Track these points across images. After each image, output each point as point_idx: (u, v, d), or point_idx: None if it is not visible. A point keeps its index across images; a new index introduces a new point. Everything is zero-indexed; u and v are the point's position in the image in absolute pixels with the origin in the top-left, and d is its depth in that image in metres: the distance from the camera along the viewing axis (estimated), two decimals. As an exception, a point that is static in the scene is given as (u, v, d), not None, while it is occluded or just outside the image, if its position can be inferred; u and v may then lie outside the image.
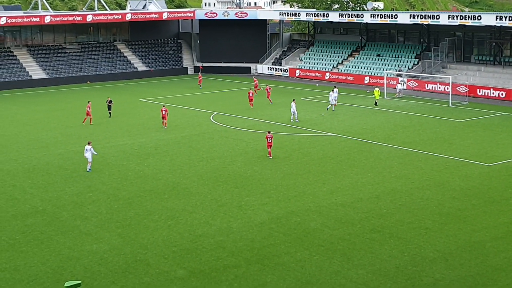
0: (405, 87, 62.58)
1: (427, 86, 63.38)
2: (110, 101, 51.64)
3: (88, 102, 50.44)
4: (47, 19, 74.79)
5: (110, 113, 51.23)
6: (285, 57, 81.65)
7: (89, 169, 35.12)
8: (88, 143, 35.64)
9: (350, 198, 29.86)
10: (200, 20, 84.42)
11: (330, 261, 22.77)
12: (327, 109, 53.46)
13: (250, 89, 58.43)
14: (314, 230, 25.84)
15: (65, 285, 17.44)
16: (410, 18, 66.90)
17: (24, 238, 25.46)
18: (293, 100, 50.03)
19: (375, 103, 55.49)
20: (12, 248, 24.50)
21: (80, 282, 17.59)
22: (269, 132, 37.81)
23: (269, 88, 58.54)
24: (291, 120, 48.29)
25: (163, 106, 49.10)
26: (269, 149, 37.43)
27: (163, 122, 47.17)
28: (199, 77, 71.19)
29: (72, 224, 27.01)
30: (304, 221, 26.87)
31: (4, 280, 21.73)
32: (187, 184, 32.65)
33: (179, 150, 39.86)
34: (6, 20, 72.28)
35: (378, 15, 70.26)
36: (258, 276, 21.71)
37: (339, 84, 66.42)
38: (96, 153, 36.00)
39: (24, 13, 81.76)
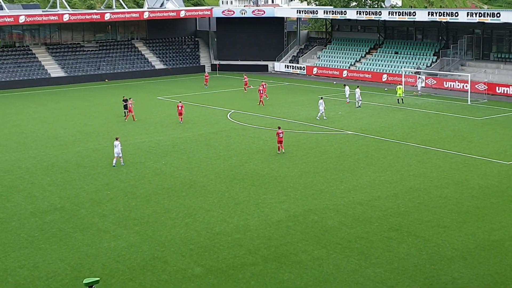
0: (423, 85, 62.20)
1: (446, 84, 62.98)
2: (126, 101, 51.24)
3: (130, 98, 51.49)
4: (66, 18, 75.26)
5: (125, 112, 50.75)
6: (302, 55, 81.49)
7: (122, 163, 36.07)
8: (116, 139, 36.33)
9: (368, 196, 29.74)
10: (217, 18, 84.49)
11: (348, 260, 22.69)
12: (357, 107, 53.63)
13: (260, 85, 58.69)
14: (332, 228, 25.77)
15: (84, 281, 17.50)
16: (428, 15, 66.49)
17: (43, 235, 25.65)
18: (321, 97, 49.79)
19: (400, 100, 54.85)
20: (31, 245, 24.68)
21: (98, 279, 17.63)
22: (279, 128, 38.61)
23: (264, 85, 58.53)
24: (317, 118, 48.14)
25: (180, 102, 50.03)
26: (280, 145, 38.13)
27: (179, 117, 48.16)
28: (206, 76, 70.41)
29: (90, 222, 27.16)
30: (322, 219, 26.81)
31: (23, 276, 21.90)
32: (204, 182, 32.70)
33: (196, 148, 39.92)
34: (25, 19, 72.87)
35: (396, 13, 69.91)
36: (275, 274, 21.69)
37: (357, 82, 66.13)
38: (121, 152, 36.23)
39: (42, 11, 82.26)
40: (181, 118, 48.24)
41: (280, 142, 38.10)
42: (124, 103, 51.10)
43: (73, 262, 22.95)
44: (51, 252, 23.89)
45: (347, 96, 56.14)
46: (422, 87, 60.99)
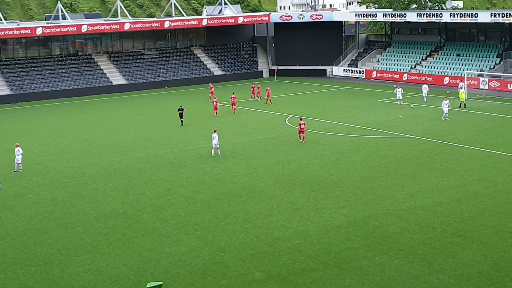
0: (486, 87, 60.78)
1: (510, 86, 61.35)
2: (182, 109, 51.24)
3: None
4: (127, 26, 76.70)
5: (182, 121, 50.82)
6: (361, 59, 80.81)
7: (220, 154, 39.38)
8: (214, 131, 39.47)
9: (430, 201, 29.18)
10: (275, 23, 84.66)
11: (410, 266, 22.30)
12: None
13: (268, 86, 62.55)
14: (393, 234, 25.38)
15: (147, 286, 17.76)
16: (491, 16, 65.05)
17: (106, 240, 26.11)
18: (446, 98, 49.30)
19: (463, 105, 53.75)
20: (95, 249, 25.15)
21: (161, 283, 17.84)
22: (301, 119, 42.59)
23: (266, 89, 61.28)
24: (442, 119, 47.78)
25: (233, 93, 55.50)
26: (302, 134, 41.83)
27: (232, 108, 53.72)
28: (211, 88, 65.95)
29: (152, 227, 27.51)
30: (383, 224, 26.44)
31: (87, 281, 22.32)
32: (263, 187, 32.71)
33: (255, 153, 40.01)
34: (88, 28, 74.63)
35: (457, 14, 68.63)
36: (336, 280, 21.49)
37: (418, 86, 65.16)
38: (218, 143, 39.31)
39: (104, 20, 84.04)
40: (234, 109, 54.34)
41: (301, 132, 41.90)
42: (180, 112, 51.12)
43: (135, 267, 23.27)
44: (114, 257, 24.28)
45: (400, 98, 55.67)
46: (485, 89, 59.20)
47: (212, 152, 39.34)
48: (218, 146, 39.23)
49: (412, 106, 50.83)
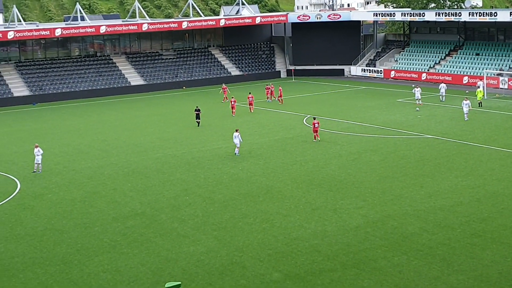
0: (506, 86, 60.24)
1: (530, 85, 60.77)
2: (198, 110, 51.31)
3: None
4: (145, 27, 77.00)
5: (198, 122, 50.68)
6: (379, 58, 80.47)
7: (237, 153, 39.57)
8: (236, 130, 39.93)
9: (450, 201, 28.98)
10: (292, 23, 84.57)
11: (429, 266, 22.16)
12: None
13: (270, 85, 64.08)
14: (412, 234, 25.24)
15: (166, 286, 17.78)
16: (510, 15, 64.45)
17: (124, 240, 26.22)
18: (466, 98, 48.89)
19: (479, 104, 53.46)
20: (114, 249, 25.26)
21: (180, 283, 17.85)
22: (314, 119, 43.47)
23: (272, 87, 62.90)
24: (466, 119, 47.44)
25: (250, 93, 56.63)
26: (315, 134, 42.52)
27: (250, 107, 55.28)
28: (224, 88, 65.21)
29: (170, 227, 27.58)
30: (401, 225, 26.30)
31: (106, 280, 22.43)
32: (281, 187, 32.68)
33: (272, 154, 39.98)
34: (106, 29, 75.05)
35: (476, 13, 68.11)
36: (354, 281, 21.40)
37: (436, 85, 64.76)
38: (242, 141, 39.99)
39: (122, 21, 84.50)
40: (252, 109, 55.59)
41: (315, 131, 42.62)
42: (197, 113, 51.11)
43: (154, 267, 23.34)
44: (133, 257, 24.38)
45: (418, 97, 55.39)
46: (505, 88, 58.67)
47: (236, 151, 39.71)
48: (239, 145, 39.67)
49: (420, 116, 50.31)
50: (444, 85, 57.94)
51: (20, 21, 76.38)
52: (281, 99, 60.28)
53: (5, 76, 72.77)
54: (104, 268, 23.45)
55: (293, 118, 52.57)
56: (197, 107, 52.21)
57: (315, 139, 42.47)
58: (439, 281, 21.07)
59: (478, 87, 56.99)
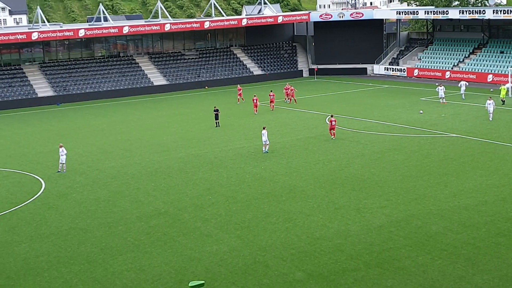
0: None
1: (556, 83, 59.93)
2: (217, 110, 51.06)
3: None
4: (167, 27, 77.29)
5: (217, 122, 50.35)
6: (402, 57, 79.98)
7: (266, 151, 39.97)
8: (264, 128, 40.35)
9: (474, 201, 28.72)
10: (314, 22, 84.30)
11: (454, 266, 21.97)
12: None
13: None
14: (436, 234, 25.05)
15: (190, 284, 17.84)
16: (535, 12, 63.67)
17: (148, 239, 26.35)
18: (490, 97, 48.25)
19: (503, 102, 52.89)
20: (137, 248, 25.40)
21: (203, 282, 17.89)
22: (332, 116, 43.28)
23: (288, 89, 62.05)
24: (490, 119, 46.73)
25: (271, 91, 57.86)
26: (333, 131, 42.51)
27: (270, 105, 56.42)
28: (239, 90, 64.32)
29: (193, 226, 27.66)
30: (425, 224, 26.11)
31: (130, 279, 22.56)
32: (304, 186, 32.62)
33: (295, 153, 39.92)
34: (129, 29, 75.50)
35: (501, 11, 67.36)
36: (378, 280, 21.30)
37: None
38: (267, 139, 40.07)
39: (145, 22, 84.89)
40: (272, 106, 56.49)
41: (332, 129, 42.53)
42: (215, 113, 50.89)
43: (177, 266, 23.43)
44: (156, 256, 24.49)
45: (442, 96, 54.99)
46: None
47: (263, 149, 40.20)
48: (268, 143, 40.05)
49: (444, 114, 49.80)
50: (466, 82, 57.49)
51: (44, 22, 77.16)
52: (295, 99, 60.13)
53: (30, 76, 73.54)
54: (128, 267, 23.59)
55: (315, 117, 52.44)
56: (215, 107, 52.14)
57: (332, 135, 42.73)
58: (464, 280, 20.89)
59: (503, 85, 56.38)
